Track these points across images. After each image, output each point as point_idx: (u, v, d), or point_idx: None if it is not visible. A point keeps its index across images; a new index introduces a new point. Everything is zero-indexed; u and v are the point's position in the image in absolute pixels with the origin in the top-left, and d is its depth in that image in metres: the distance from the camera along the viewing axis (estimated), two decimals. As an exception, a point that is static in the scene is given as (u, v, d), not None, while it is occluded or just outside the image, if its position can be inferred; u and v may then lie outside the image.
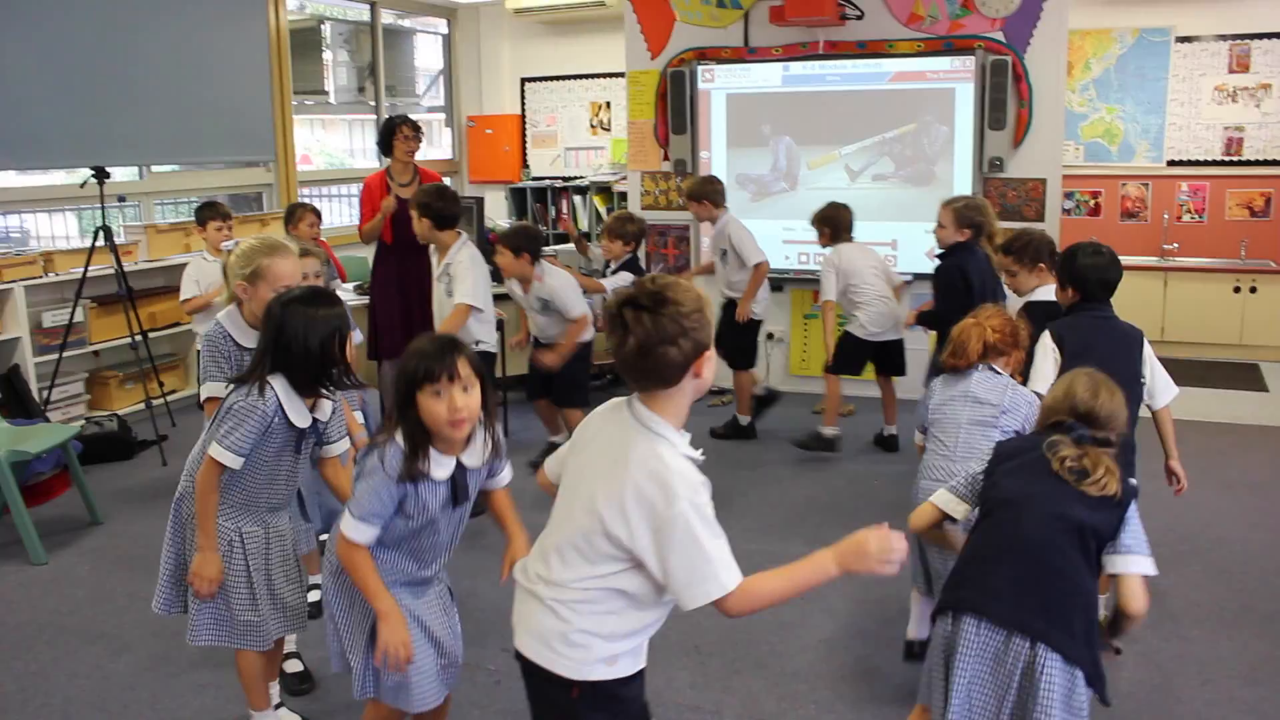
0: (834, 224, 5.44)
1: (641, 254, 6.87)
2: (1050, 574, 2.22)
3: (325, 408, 2.69)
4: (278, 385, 2.55)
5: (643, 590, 1.90)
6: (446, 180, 6.24)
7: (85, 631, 3.66)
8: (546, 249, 6.08)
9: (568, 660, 1.92)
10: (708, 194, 5.62)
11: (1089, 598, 2.24)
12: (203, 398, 3.02)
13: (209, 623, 2.68)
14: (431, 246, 4.94)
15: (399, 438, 2.22)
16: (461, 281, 4.61)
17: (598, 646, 1.91)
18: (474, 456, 2.30)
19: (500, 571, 2.33)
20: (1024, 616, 2.19)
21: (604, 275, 5.73)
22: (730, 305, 5.69)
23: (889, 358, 5.48)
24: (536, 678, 1.98)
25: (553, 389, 5.11)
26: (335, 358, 2.55)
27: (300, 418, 2.60)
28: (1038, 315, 3.52)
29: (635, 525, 1.84)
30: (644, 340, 1.82)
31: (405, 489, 2.22)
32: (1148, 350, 3.31)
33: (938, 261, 4.80)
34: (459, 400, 2.15)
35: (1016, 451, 2.44)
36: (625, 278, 5.31)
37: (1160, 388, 3.29)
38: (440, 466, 2.25)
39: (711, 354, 1.89)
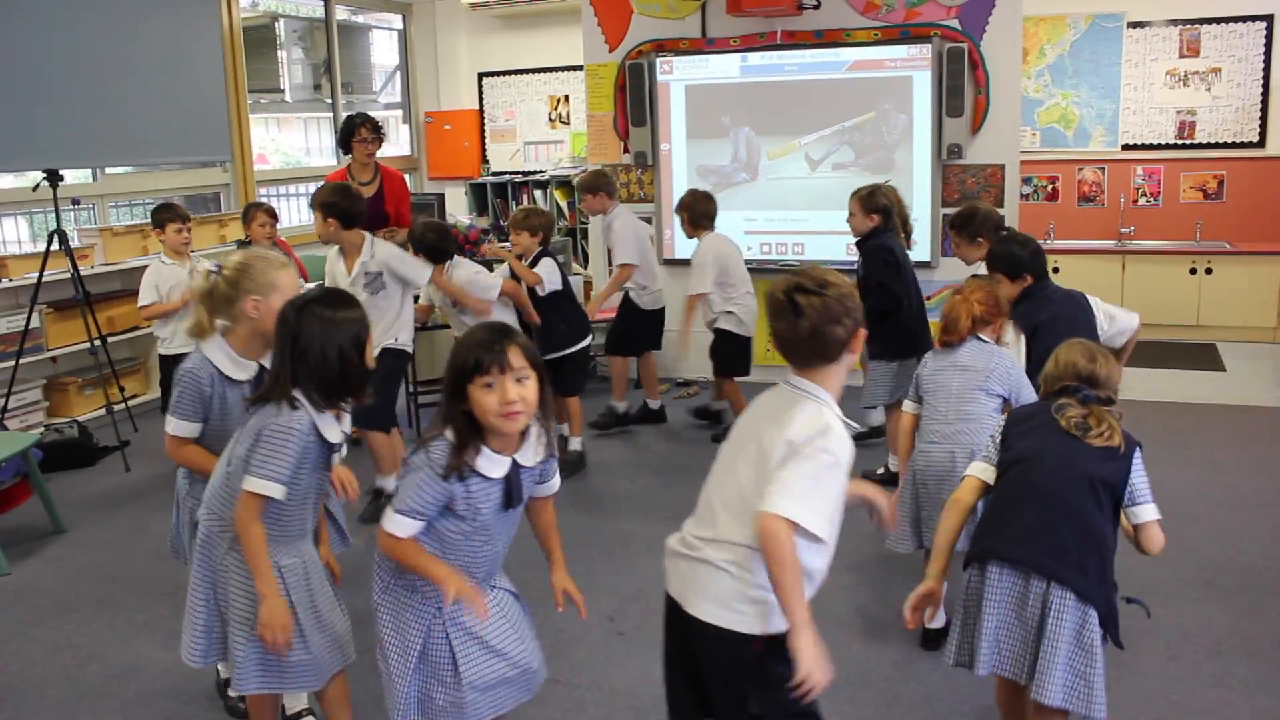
0: (691, 210, 5.38)
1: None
2: (1061, 518, 2.36)
3: (346, 419, 2.51)
4: (303, 399, 2.36)
5: (803, 539, 1.96)
6: (406, 177, 6.20)
7: (52, 642, 3.61)
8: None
9: (750, 617, 2.00)
10: (601, 186, 5.59)
11: (1102, 541, 2.37)
12: (169, 432, 2.74)
13: (256, 668, 2.44)
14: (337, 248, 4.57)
15: (448, 434, 2.12)
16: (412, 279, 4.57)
17: (774, 599, 1.98)
18: (529, 455, 2.21)
19: (554, 600, 2.29)
20: (1038, 557, 2.34)
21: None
22: (625, 297, 5.74)
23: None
24: (717, 641, 2.03)
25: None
26: (356, 365, 2.37)
27: (333, 432, 2.42)
28: None
29: (785, 452, 1.98)
30: (816, 321, 2.02)
31: (454, 487, 2.12)
32: (1097, 307, 3.67)
33: (859, 251, 4.76)
34: (512, 392, 2.07)
35: (1027, 416, 2.59)
36: (548, 265, 5.10)
37: (1126, 319, 3.73)
38: (494, 464, 2.15)
39: (863, 331, 2.08)
